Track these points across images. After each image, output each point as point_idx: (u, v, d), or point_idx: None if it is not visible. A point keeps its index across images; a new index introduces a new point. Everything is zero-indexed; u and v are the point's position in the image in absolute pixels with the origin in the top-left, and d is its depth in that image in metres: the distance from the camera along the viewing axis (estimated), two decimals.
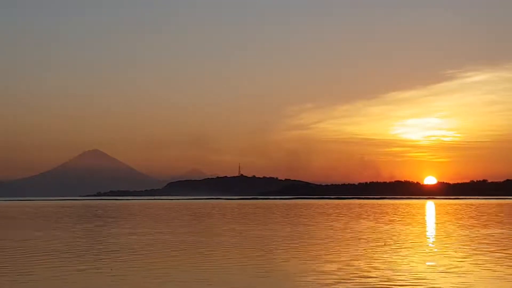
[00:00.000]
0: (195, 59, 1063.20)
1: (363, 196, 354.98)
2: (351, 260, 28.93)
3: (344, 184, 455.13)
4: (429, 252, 32.87)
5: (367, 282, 22.06)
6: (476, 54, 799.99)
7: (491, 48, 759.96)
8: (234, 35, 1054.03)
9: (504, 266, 26.58)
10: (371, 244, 37.35)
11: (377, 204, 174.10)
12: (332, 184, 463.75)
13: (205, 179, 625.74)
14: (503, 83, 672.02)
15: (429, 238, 43.50)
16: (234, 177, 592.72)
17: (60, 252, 33.94)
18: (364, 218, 75.03)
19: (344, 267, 26.18)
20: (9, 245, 38.81)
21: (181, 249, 35.30)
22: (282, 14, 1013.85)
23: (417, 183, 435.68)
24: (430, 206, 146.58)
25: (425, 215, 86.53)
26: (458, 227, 55.08)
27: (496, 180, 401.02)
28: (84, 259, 30.35)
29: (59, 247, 37.03)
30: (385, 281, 22.28)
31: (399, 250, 33.91)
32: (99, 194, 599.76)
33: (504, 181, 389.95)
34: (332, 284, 21.79)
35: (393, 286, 21.27)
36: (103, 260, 29.77)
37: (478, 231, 49.99)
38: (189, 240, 41.91)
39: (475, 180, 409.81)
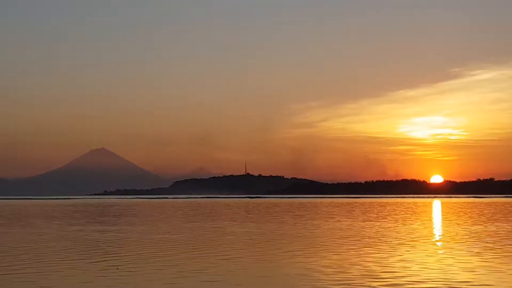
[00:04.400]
0: (201, 58, 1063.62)
1: (369, 195, 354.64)
2: (357, 258, 28.88)
3: (350, 182, 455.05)
4: (437, 250, 32.78)
5: (374, 281, 22.00)
6: (482, 52, 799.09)
7: (497, 46, 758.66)
8: (239, 34, 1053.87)
9: None
10: (376, 243, 37.27)
11: (384, 202, 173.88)
12: (338, 183, 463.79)
13: (211, 177, 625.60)
14: (509, 81, 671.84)
15: (436, 236, 43.38)
16: (240, 175, 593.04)
17: (69, 250, 33.99)
18: (370, 217, 74.92)
19: (350, 265, 26.12)
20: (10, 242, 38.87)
21: (193, 247, 35.31)
22: (287, 12, 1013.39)
23: (424, 181, 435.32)
24: (436, 204, 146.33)
25: (431, 214, 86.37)
26: (465, 225, 54.93)
27: (503, 179, 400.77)
28: (91, 257, 30.37)
29: (67, 245, 37.08)
30: (391, 279, 22.22)
31: (405, 248, 33.82)
32: (105, 193, 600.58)
33: (511, 179, 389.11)
34: (337, 283, 21.74)
35: (397, 284, 21.21)
36: (111, 259, 29.80)
37: (485, 228, 49.84)
38: (199, 238, 41.93)
39: (481, 179, 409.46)
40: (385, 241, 38.41)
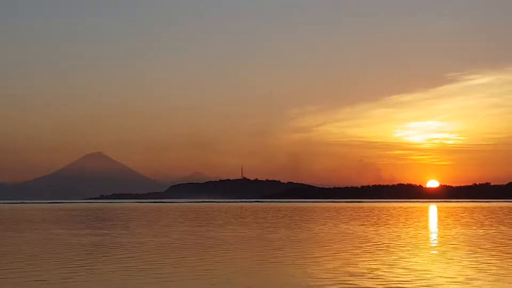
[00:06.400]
0: (197, 62, 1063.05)
1: (365, 200, 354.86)
2: (355, 263, 29.17)
3: (346, 187, 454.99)
4: (433, 256, 33.07)
5: (369, 285, 22.30)
6: (479, 57, 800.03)
7: (494, 51, 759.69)
8: (236, 37, 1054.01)
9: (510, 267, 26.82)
10: (372, 247, 37.55)
11: (380, 207, 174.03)
12: (334, 187, 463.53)
13: (207, 182, 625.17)
14: (505, 86, 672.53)
15: (431, 241, 43.67)
16: (236, 179, 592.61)
17: (70, 255, 34.21)
18: (366, 221, 75.18)
19: (347, 270, 26.40)
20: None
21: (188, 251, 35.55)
22: (284, 16, 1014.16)
23: (420, 186, 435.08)
24: (432, 209, 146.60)
25: (427, 219, 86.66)
26: (461, 230, 55.23)
27: (499, 183, 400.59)
28: (91, 261, 30.61)
29: (67, 249, 37.29)
30: (387, 284, 22.52)
31: (401, 253, 34.10)
32: (102, 197, 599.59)
33: (507, 184, 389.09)
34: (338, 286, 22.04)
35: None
36: (104, 263, 30.05)
37: (482, 233, 50.15)
38: (197, 243, 42.16)
39: (477, 183, 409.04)
40: (381, 246, 38.67)
